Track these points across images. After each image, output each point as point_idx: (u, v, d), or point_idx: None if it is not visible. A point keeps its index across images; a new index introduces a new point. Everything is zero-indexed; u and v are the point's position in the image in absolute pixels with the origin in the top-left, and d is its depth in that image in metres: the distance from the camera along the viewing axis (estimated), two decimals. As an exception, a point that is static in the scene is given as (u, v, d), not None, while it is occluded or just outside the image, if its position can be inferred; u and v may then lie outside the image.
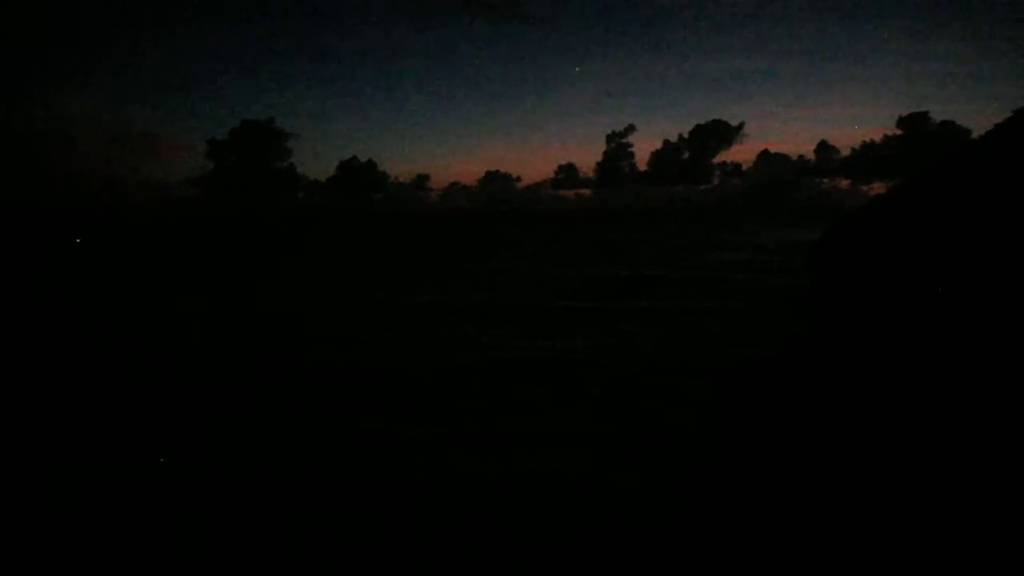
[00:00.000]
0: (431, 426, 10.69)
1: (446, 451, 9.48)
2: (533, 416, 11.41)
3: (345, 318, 23.88)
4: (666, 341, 18.26)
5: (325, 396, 12.42)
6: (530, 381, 14.21)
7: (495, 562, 6.78)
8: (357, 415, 11.33)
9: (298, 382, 13.67)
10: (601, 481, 8.65)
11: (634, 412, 11.69)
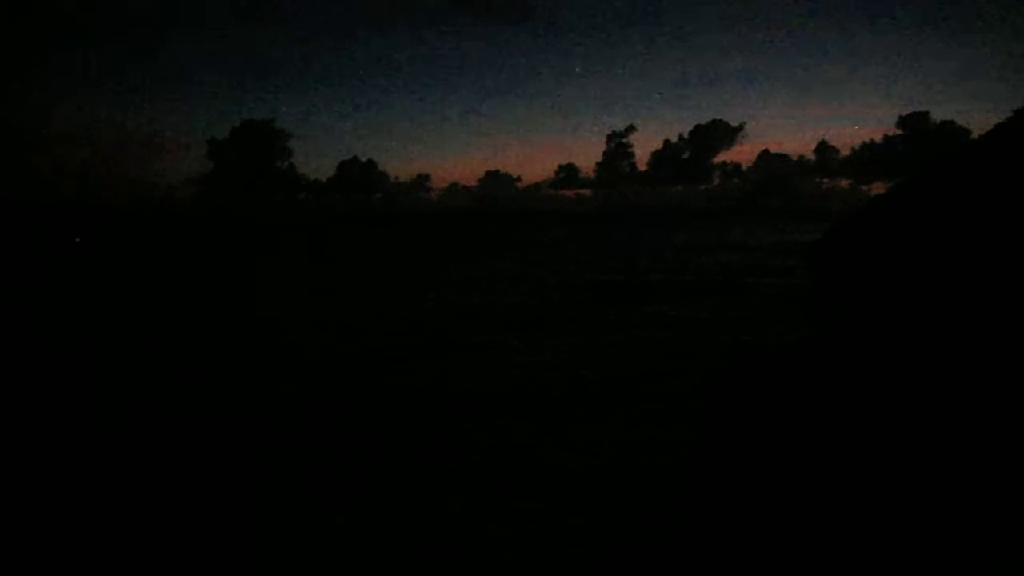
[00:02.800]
0: (414, 461, 9.60)
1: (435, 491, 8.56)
2: (527, 436, 11.04)
3: (337, 325, 23.86)
4: (666, 345, 18.24)
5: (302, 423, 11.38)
6: (527, 390, 14.14)
7: None
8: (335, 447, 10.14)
9: (278, 404, 12.59)
10: (601, 487, 8.63)
11: (633, 418, 11.64)
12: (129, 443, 10.29)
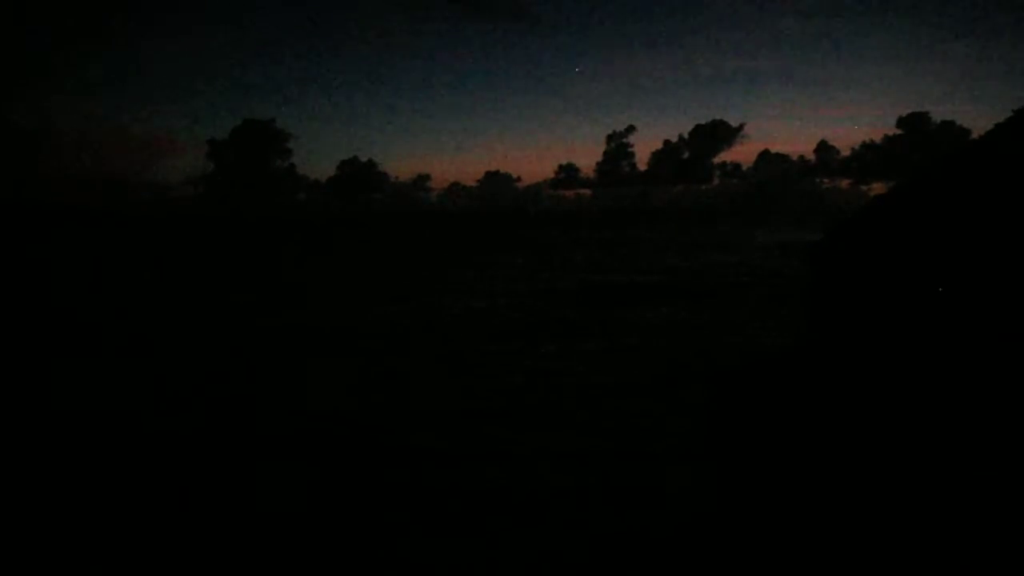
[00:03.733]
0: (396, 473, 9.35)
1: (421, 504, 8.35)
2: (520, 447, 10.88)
3: (333, 329, 23.86)
4: (667, 348, 18.22)
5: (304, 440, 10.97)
6: (528, 399, 14.12)
7: None
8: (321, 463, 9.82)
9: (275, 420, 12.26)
10: (602, 490, 8.60)
11: (631, 422, 11.62)
12: (126, 445, 10.29)
